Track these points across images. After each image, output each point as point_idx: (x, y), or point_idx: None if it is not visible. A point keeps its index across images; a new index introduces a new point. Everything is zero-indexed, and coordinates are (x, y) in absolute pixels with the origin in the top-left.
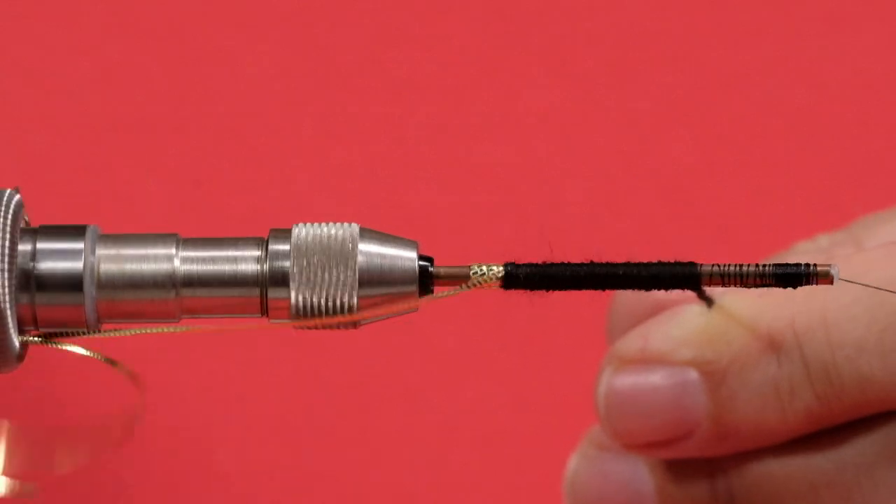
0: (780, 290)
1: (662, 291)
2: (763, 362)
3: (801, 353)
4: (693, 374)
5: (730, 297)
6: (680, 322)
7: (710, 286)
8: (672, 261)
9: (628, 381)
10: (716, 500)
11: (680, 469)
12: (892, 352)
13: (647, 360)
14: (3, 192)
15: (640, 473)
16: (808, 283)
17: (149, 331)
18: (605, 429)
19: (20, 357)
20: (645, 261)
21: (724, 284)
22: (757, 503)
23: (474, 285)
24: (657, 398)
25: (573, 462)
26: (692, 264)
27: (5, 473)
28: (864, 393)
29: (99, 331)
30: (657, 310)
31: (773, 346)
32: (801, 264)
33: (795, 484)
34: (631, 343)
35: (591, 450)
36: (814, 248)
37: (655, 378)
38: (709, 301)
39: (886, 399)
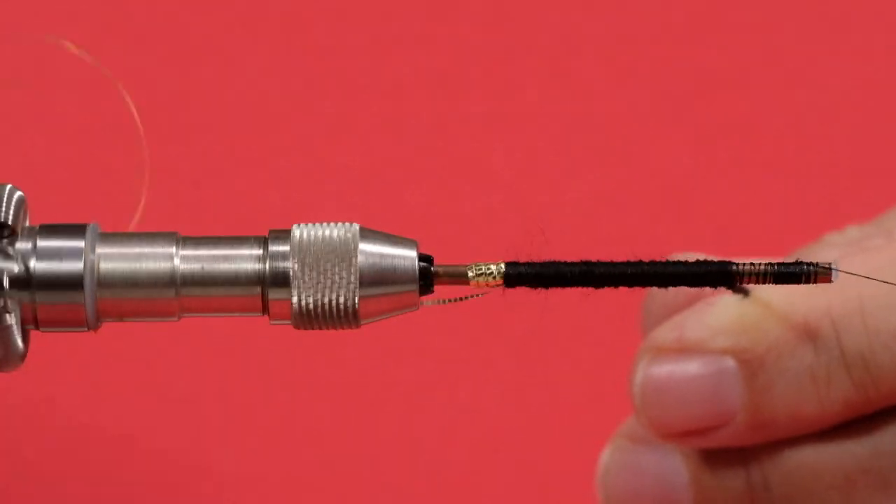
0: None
1: None
2: (800, 350)
3: (839, 340)
4: (730, 363)
5: (764, 288)
6: (716, 311)
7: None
8: (704, 259)
9: (665, 369)
10: (751, 490)
11: (714, 459)
12: None
13: (684, 349)
14: (4, 187)
15: (673, 466)
16: (807, 281)
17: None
18: (641, 418)
19: (23, 356)
20: (645, 259)
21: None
22: (793, 492)
23: (475, 290)
24: (694, 387)
25: (605, 456)
26: (726, 262)
27: None
28: None
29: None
30: (692, 300)
31: (810, 334)
32: (801, 263)
33: (831, 472)
34: (667, 332)
35: (623, 443)
36: (843, 240)
37: (692, 367)
38: (744, 291)
39: None
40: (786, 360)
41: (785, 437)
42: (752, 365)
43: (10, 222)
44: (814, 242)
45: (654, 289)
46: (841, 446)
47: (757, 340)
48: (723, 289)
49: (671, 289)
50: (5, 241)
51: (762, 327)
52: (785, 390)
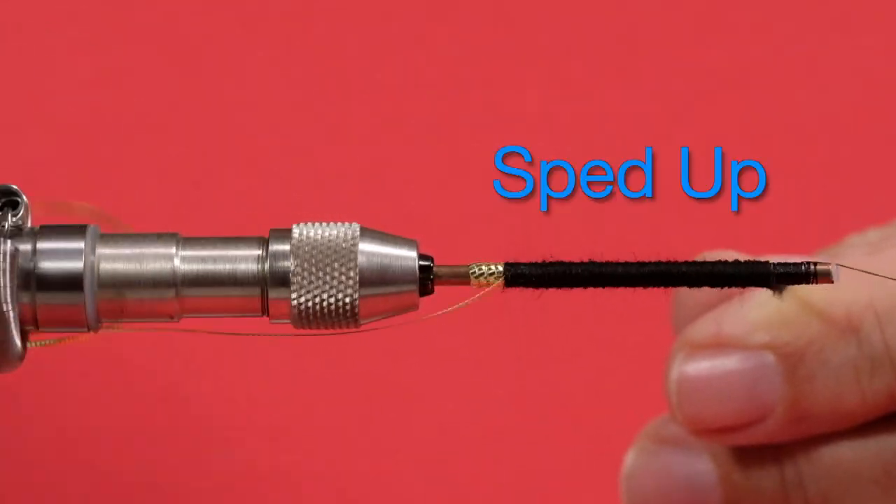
0: (853, 274)
1: None
2: (842, 343)
3: (882, 333)
4: (769, 358)
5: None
6: (753, 307)
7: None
8: (743, 259)
9: (702, 366)
10: (784, 489)
11: (746, 458)
12: None
13: (722, 345)
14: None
15: (702, 466)
16: (808, 282)
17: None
18: (677, 415)
19: (21, 357)
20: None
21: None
22: (830, 488)
23: (475, 278)
24: (732, 382)
25: (630, 457)
26: (764, 262)
27: None
28: None
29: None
30: (726, 296)
31: (853, 327)
32: (802, 263)
33: (869, 467)
34: (704, 328)
35: (649, 444)
36: (863, 242)
37: (730, 362)
38: (780, 287)
39: None
40: (827, 353)
41: (823, 432)
42: (792, 359)
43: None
44: (835, 244)
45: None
46: (880, 441)
47: (797, 334)
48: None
49: None
50: (11, 220)
51: (802, 321)
52: (826, 383)
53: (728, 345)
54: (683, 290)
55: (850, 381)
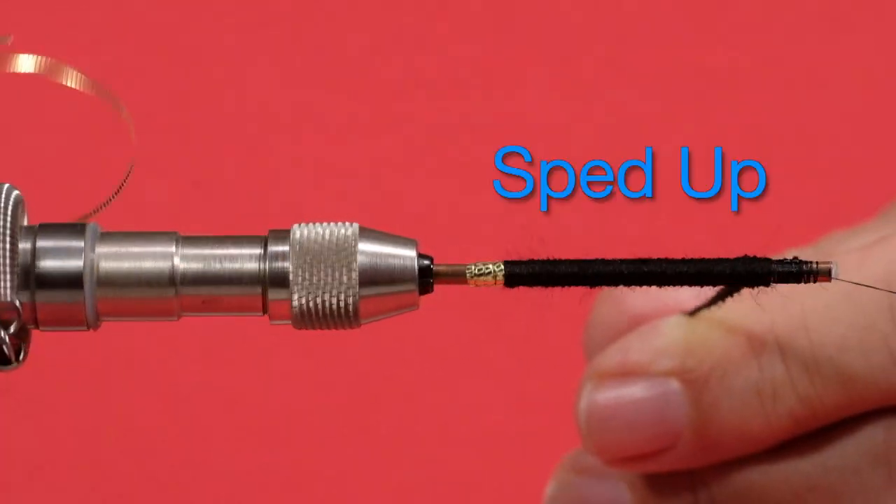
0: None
1: (640, 306)
2: (745, 367)
3: (783, 355)
4: (674, 384)
5: (711, 309)
6: (659, 333)
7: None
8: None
9: (610, 395)
10: None
11: (661, 484)
12: (874, 350)
13: (628, 373)
14: (2, 186)
15: (619, 495)
16: (808, 280)
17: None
18: (588, 445)
19: (8, 361)
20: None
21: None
22: None
23: (474, 277)
24: (639, 410)
25: (550, 489)
26: (764, 261)
27: None
28: (847, 393)
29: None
30: (635, 324)
31: (755, 350)
32: (802, 262)
33: (779, 491)
34: (610, 357)
35: (567, 476)
36: (848, 237)
37: (636, 390)
38: (691, 311)
39: (869, 399)
40: (731, 377)
41: (732, 456)
42: (696, 385)
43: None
44: (821, 239)
45: (595, 314)
46: (789, 464)
47: (701, 359)
48: (668, 311)
49: (612, 312)
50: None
51: (706, 346)
52: (731, 408)
53: (634, 373)
54: (593, 319)
55: (753, 405)
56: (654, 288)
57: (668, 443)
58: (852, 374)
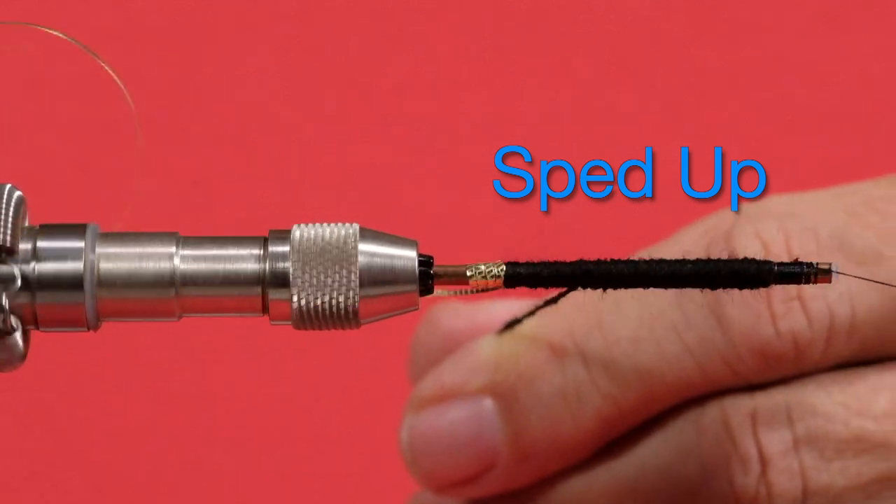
0: (556, 304)
1: (455, 327)
2: (549, 373)
3: (582, 356)
4: (487, 402)
5: (526, 320)
6: (471, 352)
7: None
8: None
9: (428, 420)
10: None
11: None
12: (665, 341)
13: (444, 397)
14: (4, 187)
15: None
16: (807, 281)
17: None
18: (414, 473)
19: (23, 356)
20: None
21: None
22: None
23: (476, 290)
24: (457, 432)
25: None
26: (765, 262)
27: None
28: (647, 387)
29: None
30: (452, 346)
31: (557, 355)
32: (802, 262)
33: (602, 498)
34: (429, 382)
35: None
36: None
37: (453, 413)
38: (501, 329)
39: (670, 390)
40: (537, 385)
41: (552, 470)
42: (506, 397)
43: (8, 244)
44: (756, 201)
45: (414, 339)
46: (608, 469)
47: (508, 372)
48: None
49: (429, 336)
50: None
51: (512, 359)
52: (540, 416)
53: (450, 395)
54: (413, 343)
55: (560, 409)
56: (467, 308)
57: (488, 462)
58: (648, 367)
